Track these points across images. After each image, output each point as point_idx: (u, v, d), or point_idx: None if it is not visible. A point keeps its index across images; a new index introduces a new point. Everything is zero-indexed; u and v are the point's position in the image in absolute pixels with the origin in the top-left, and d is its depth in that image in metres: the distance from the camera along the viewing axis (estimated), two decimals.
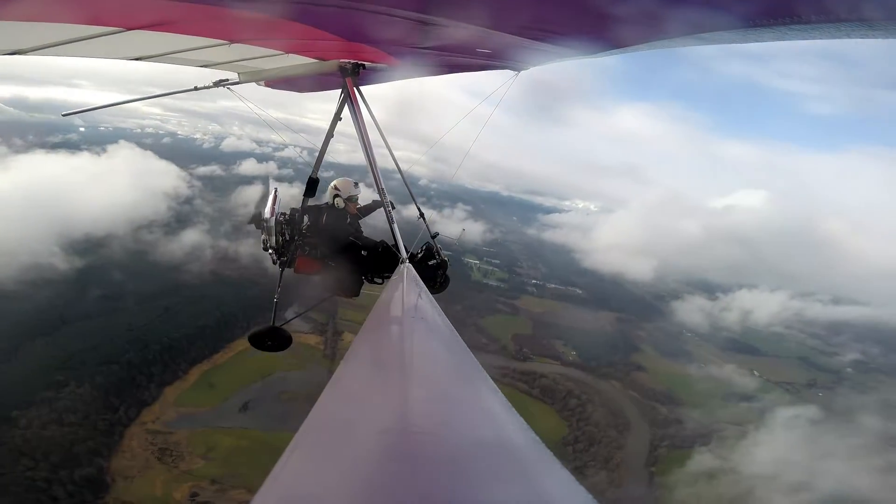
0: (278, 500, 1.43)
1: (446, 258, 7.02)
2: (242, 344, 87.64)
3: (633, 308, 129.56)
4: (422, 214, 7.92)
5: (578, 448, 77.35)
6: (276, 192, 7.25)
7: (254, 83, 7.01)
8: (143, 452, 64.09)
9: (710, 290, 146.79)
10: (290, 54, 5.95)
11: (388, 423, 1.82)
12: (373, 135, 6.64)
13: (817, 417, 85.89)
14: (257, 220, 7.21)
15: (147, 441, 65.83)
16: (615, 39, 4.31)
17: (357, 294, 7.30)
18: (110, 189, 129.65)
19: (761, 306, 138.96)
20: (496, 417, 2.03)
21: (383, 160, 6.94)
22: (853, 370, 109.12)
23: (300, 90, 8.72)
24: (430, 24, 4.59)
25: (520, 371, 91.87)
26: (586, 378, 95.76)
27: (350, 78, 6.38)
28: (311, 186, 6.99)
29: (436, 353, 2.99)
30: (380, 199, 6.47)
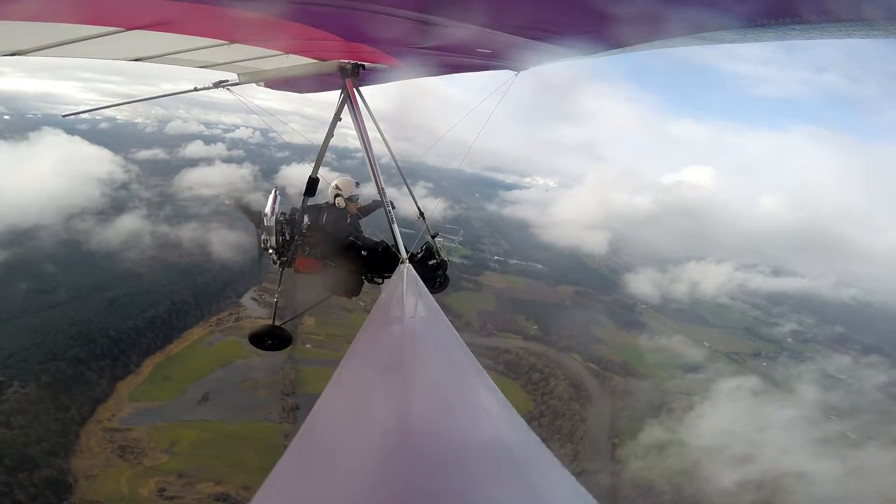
0: (278, 501, 1.45)
1: (446, 258, 7.11)
2: (197, 333, 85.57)
3: (590, 281, 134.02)
4: (422, 214, 8.04)
5: (544, 423, 79.89)
6: (276, 191, 7.23)
7: (253, 84, 6.88)
8: (102, 451, 61.98)
9: (661, 262, 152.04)
10: (290, 55, 5.89)
11: (389, 424, 1.84)
12: (372, 136, 6.62)
13: (763, 388, 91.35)
14: (258, 219, 7.17)
15: (105, 439, 63.65)
16: (615, 39, 4.36)
17: (357, 294, 7.36)
18: (35, 178, 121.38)
19: (708, 278, 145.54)
20: (497, 418, 2.05)
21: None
22: (793, 340, 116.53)
23: (300, 91, 8.57)
24: (429, 24, 4.60)
25: (484, 347, 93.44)
26: (548, 352, 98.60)
27: (350, 79, 6.37)
28: (311, 186, 6.90)
29: (436, 353, 3.00)
30: (380, 200, 6.49)
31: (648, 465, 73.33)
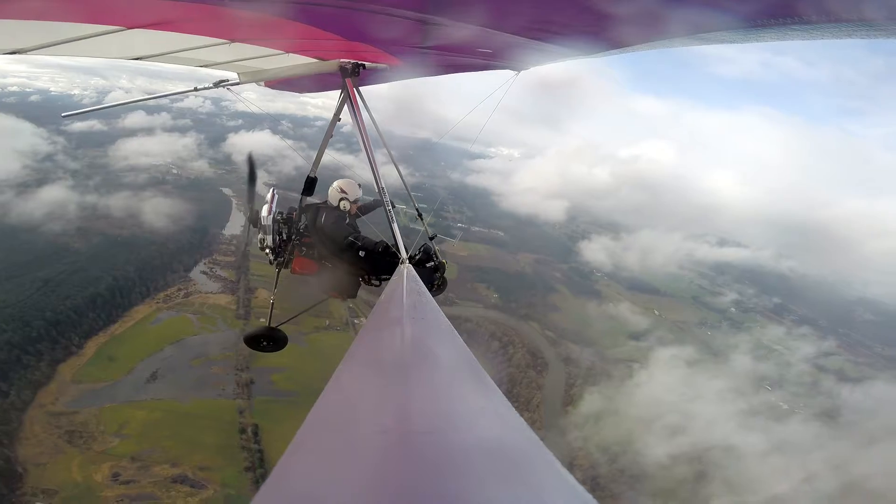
0: (279, 501, 1.46)
1: (444, 261, 7.03)
2: (143, 311, 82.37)
3: (549, 249, 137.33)
4: (420, 215, 8.05)
5: (502, 391, 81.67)
6: (273, 191, 7.14)
7: (254, 83, 6.71)
8: (49, 437, 59.41)
9: (615, 231, 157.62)
10: (291, 54, 5.82)
11: (389, 424, 1.84)
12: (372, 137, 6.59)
13: (702, 358, 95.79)
14: (255, 219, 7.11)
15: (51, 424, 60.96)
16: (615, 39, 4.41)
17: (353, 296, 7.30)
18: None
19: (658, 247, 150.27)
20: (496, 417, 2.06)
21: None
22: (736, 310, 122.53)
23: (300, 90, 8.35)
24: (430, 24, 4.67)
25: (446, 316, 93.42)
26: (507, 320, 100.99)
27: (350, 78, 6.32)
28: (310, 185, 6.87)
29: (436, 353, 2.98)
30: (380, 199, 6.41)
31: (586, 434, 75.66)
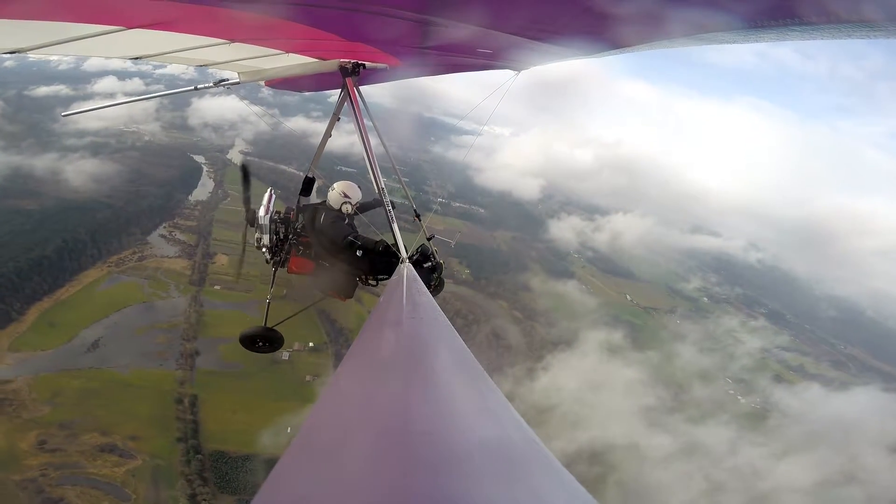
0: (279, 501, 1.48)
1: (442, 261, 7.13)
2: (93, 275, 79.96)
3: (528, 228, 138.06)
4: (417, 216, 8.20)
5: None
6: (271, 191, 7.26)
7: (254, 83, 6.74)
8: None
9: (589, 212, 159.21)
10: (291, 54, 5.90)
11: (389, 424, 1.87)
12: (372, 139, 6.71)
13: (654, 347, 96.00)
14: (251, 218, 7.23)
15: None
16: (615, 39, 4.54)
17: (350, 296, 7.42)
18: None
19: (630, 230, 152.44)
20: (496, 417, 2.09)
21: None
22: (708, 300, 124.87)
23: (300, 90, 8.30)
24: (430, 24, 4.85)
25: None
26: (475, 297, 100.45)
27: (350, 78, 6.43)
28: (308, 185, 7.01)
29: (436, 353, 3.06)
30: (380, 198, 6.50)
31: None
